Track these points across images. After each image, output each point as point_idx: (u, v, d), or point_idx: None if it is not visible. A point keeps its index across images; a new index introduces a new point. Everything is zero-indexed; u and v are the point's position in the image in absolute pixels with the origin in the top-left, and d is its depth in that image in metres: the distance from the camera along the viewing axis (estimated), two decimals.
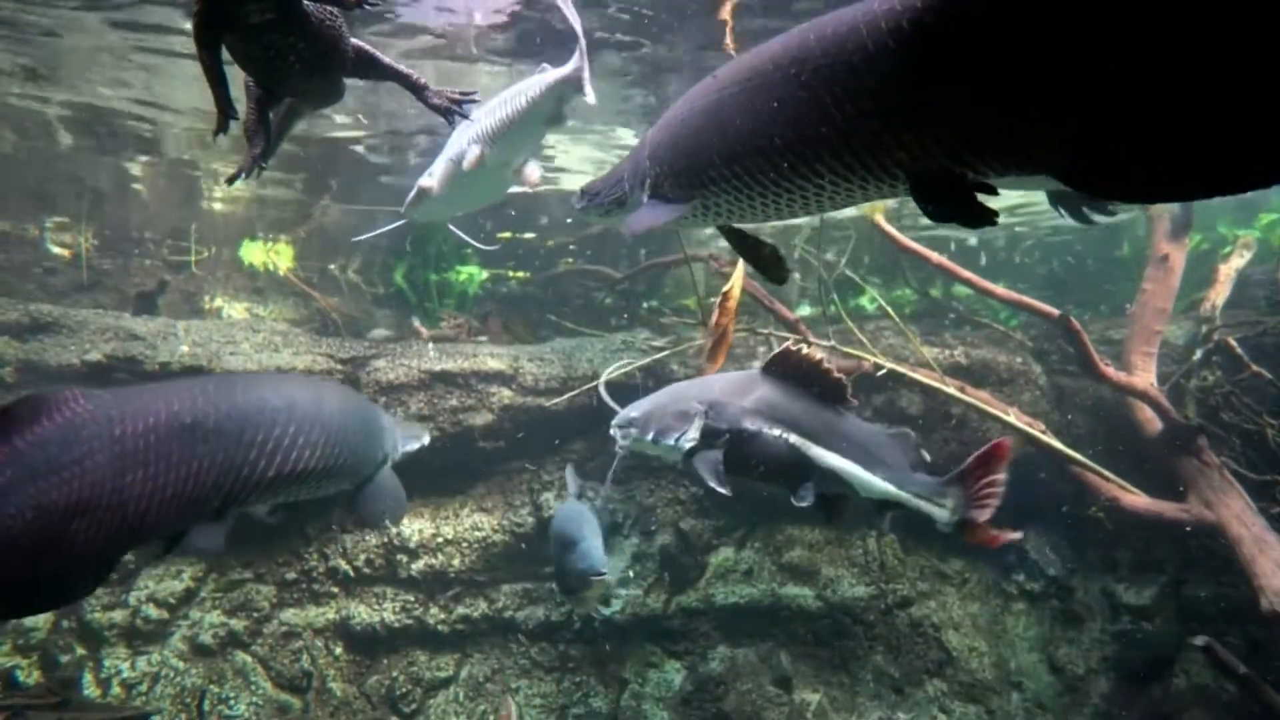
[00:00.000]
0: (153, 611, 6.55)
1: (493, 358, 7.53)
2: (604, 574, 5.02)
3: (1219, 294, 7.38)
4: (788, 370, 4.19)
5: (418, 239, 9.88)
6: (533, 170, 5.05)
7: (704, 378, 4.57)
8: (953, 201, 2.00)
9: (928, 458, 4.54)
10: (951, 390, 6.81)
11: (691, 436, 4.05)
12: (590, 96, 4.39)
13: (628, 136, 9.74)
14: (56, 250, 11.12)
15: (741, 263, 5.34)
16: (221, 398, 3.37)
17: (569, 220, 10.88)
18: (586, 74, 4.45)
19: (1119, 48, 1.59)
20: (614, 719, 6.76)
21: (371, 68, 3.36)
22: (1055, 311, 6.85)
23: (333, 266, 11.47)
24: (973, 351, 7.77)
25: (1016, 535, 4.40)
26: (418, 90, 3.51)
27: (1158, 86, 1.58)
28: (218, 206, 12.63)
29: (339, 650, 6.78)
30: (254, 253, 11.61)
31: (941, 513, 4.27)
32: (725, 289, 5.45)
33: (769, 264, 2.94)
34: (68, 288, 10.32)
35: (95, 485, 2.95)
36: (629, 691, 6.84)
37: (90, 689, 6.20)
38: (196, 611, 6.66)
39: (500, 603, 7.00)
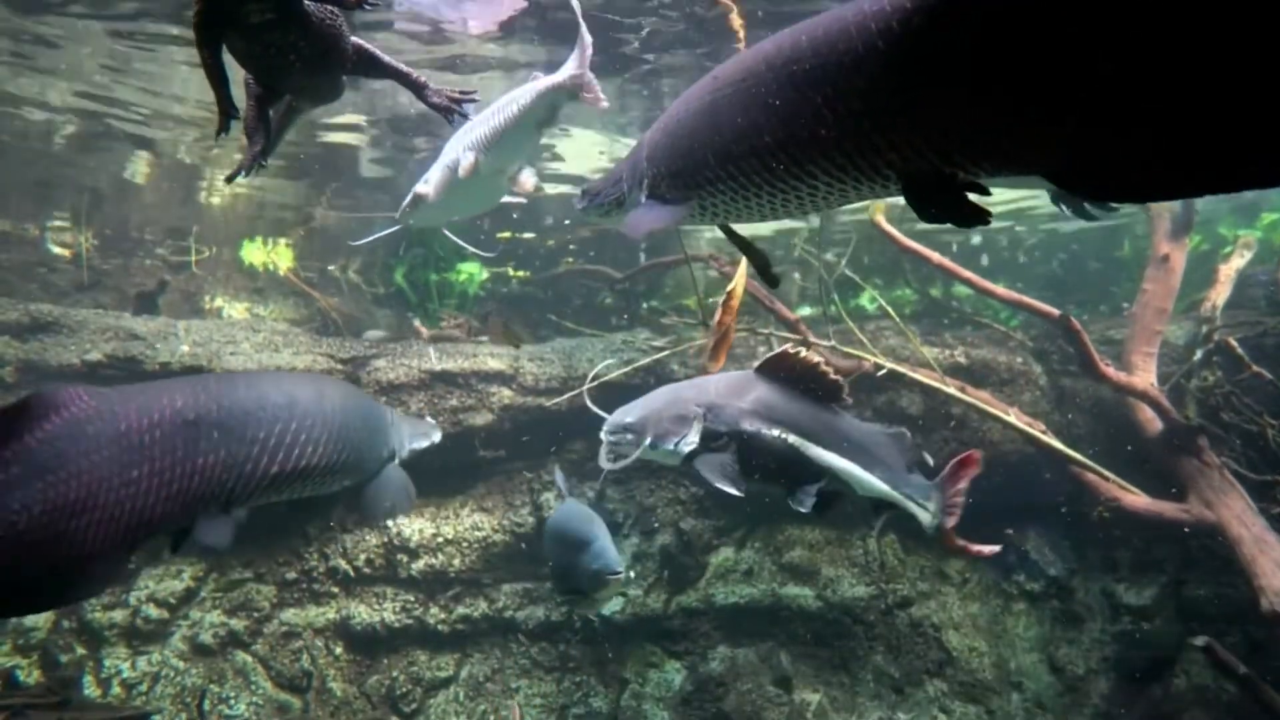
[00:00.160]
0: (153, 611, 6.55)
1: (493, 358, 7.53)
2: (619, 573, 4.85)
3: (1219, 294, 7.38)
4: (782, 370, 4.17)
5: (412, 243, 9.88)
6: (528, 178, 5.06)
7: (697, 379, 4.52)
8: (944, 201, 2.00)
9: (930, 460, 4.54)
10: (952, 390, 6.82)
11: (692, 440, 4.01)
12: (601, 101, 4.38)
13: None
14: (57, 250, 11.13)
15: (744, 262, 5.34)
16: (223, 394, 3.39)
17: (566, 222, 10.89)
18: (590, 76, 4.44)
19: (1117, 47, 1.59)
20: (614, 719, 6.76)
21: (371, 66, 3.37)
22: (1055, 311, 6.85)
23: (333, 267, 11.48)
24: (973, 351, 7.77)
25: (989, 549, 4.46)
26: (417, 89, 3.52)
27: (1156, 86, 1.58)
28: (215, 201, 12.63)
29: (339, 650, 6.78)
30: (254, 253, 11.62)
31: (925, 515, 4.29)
32: (730, 287, 5.45)
33: (760, 269, 2.98)
34: (68, 287, 10.32)
35: (103, 480, 2.98)
36: (629, 691, 6.84)
37: (90, 689, 6.20)
38: (197, 611, 6.66)
39: (500, 602, 7.00)
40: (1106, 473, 6.64)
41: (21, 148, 10.67)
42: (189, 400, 3.28)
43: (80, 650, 6.37)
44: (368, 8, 3.00)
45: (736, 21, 6.46)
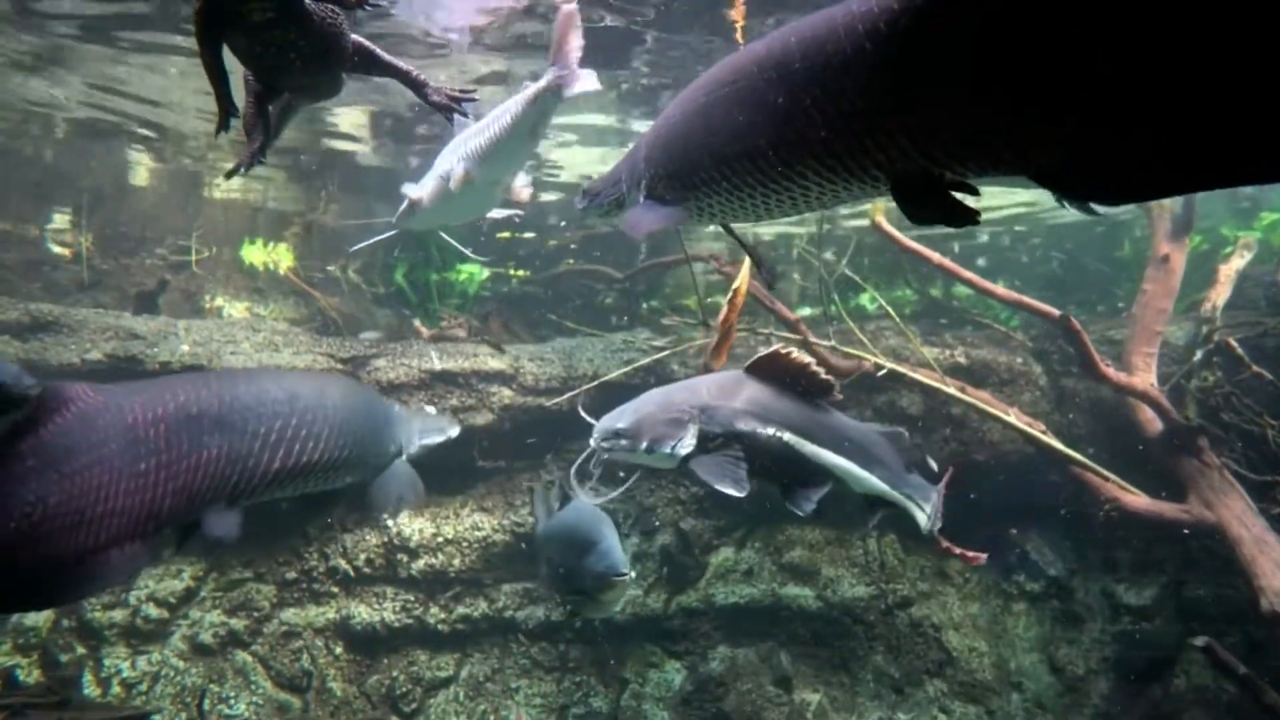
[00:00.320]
0: (153, 611, 6.55)
1: (493, 357, 7.54)
2: (625, 574, 4.71)
3: (1219, 294, 7.38)
4: (773, 370, 4.13)
5: (408, 245, 9.89)
6: (522, 187, 5.07)
7: (687, 381, 4.46)
8: (932, 202, 2.00)
9: (934, 464, 4.54)
10: (952, 390, 6.82)
11: (688, 443, 3.96)
12: (592, 84, 4.36)
13: None
14: (57, 250, 11.13)
15: (748, 261, 5.35)
16: (224, 390, 3.40)
17: (562, 224, 10.90)
18: (570, 68, 4.42)
19: (1117, 47, 1.59)
20: (614, 719, 6.76)
21: (371, 64, 3.37)
22: (1055, 312, 6.85)
23: (333, 267, 11.47)
24: (973, 352, 7.77)
25: (978, 556, 4.47)
26: (417, 87, 3.52)
27: (1156, 85, 1.58)
28: (218, 198, 12.63)
29: (339, 650, 6.78)
30: (254, 253, 11.61)
31: (921, 516, 4.29)
32: (734, 286, 5.46)
33: (760, 267, 3.00)
34: (69, 287, 10.32)
35: (114, 472, 3.00)
36: (629, 691, 6.84)
37: (90, 688, 6.20)
38: (196, 611, 6.66)
39: (500, 602, 7.00)
40: (1106, 473, 6.64)
41: (21, 148, 10.68)
42: (191, 396, 3.30)
43: (80, 650, 6.37)
44: (368, 8, 3.00)
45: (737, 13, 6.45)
